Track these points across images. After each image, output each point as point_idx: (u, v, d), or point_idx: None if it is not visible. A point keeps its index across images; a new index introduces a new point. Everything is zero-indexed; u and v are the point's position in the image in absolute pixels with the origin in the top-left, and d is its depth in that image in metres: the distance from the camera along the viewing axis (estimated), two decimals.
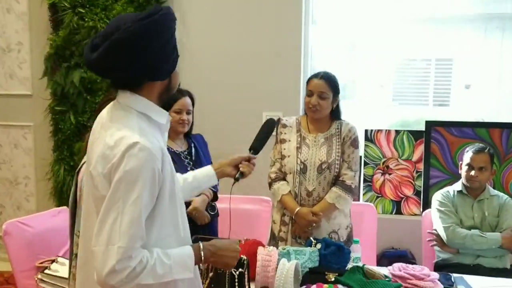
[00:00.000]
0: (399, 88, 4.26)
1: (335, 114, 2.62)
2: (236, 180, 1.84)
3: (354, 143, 2.58)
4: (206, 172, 1.83)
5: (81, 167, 2.11)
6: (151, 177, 1.29)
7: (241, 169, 1.84)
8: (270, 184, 2.64)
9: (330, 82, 2.53)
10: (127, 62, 1.31)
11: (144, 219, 1.30)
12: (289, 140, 2.60)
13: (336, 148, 2.56)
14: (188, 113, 2.60)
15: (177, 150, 2.63)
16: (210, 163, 2.75)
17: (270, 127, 2.02)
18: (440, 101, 4.18)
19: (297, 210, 2.50)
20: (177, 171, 2.46)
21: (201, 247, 1.46)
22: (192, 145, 2.71)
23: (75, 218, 2.10)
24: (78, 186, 2.08)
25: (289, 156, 2.58)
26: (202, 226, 2.61)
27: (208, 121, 3.48)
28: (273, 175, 2.63)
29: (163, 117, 1.45)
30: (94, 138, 1.43)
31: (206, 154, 2.76)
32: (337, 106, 2.62)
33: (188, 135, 2.75)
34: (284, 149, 2.60)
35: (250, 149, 1.92)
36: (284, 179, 2.60)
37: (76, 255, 2.08)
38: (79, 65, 3.81)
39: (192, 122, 2.72)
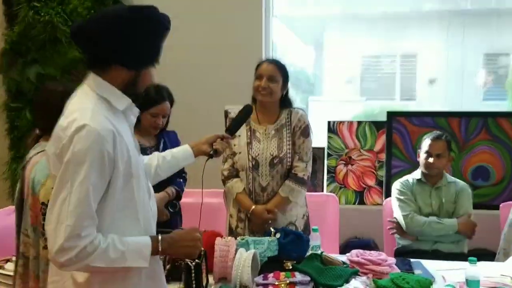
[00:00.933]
0: (366, 84, 4.32)
1: (284, 102, 2.58)
2: (210, 156, 1.89)
3: (304, 133, 2.55)
4: (183, 150, 1.87)
5: (27, 163, 2.04)
6: (99, 159, 1.33)
7: (214, 146, 1.88)
8: (223, 182, 2.60)
9: (280, 66, 2.51)
10: (104, 36, 1.39)
11: (93, 199, 1.33)
12: (239, 135, 2.54)
13: (287, 140, 2.53)
14: (164, 117, 2.58)
15: (143, 145, 2.59)
16: None
17: (246, 112, 2.12)
18: (407, 95, 4.26)
19: (252, 208, 2.48)
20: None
21: (159, 238, 1.47)
22: (162, 141, 2.67)
23: (21, 216, 2.03)
24: (25, 184, 2.01)
25: (240, 152, 2.54)
26: (161, 224, 2.57)
27: (177, 117, 3.44)
28: (226, 173, 2.59)
29: (123, 103, 1.48)
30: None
31: None
32: (287, 94, 2.59)
33: (160, 132, 2.71)
34: (235, 145, 2.55)
35: (226, 130, 2.02)
36: (237, 175, 2.57)
37: (23, 254, 2.02)
38: (36, 60, 3.70)
39: (168, 118, 2.69)
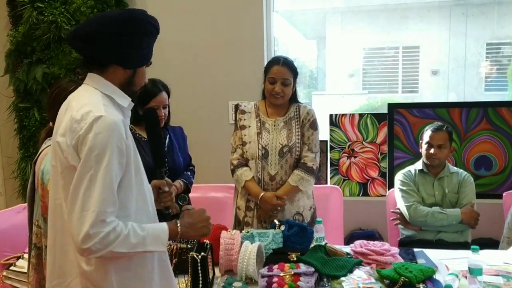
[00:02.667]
0: (368, 77, 4.31)
1: (293, 97, 2.63)
2: (168, 215, 1.78)
3: (313, 125, 2.60)
4: None
5: (37, 157, 2.08)
6: (118, 147, 1.37)
7: (163, 205, 1.81)
8: (232, 171, 2.63)
9: (291, 68, 2.55)
10: (100, 37, 1.43)
11: (115, 185, 1.37)
12: (249, 126, 2.60)
13: (296, 131, 2.57)
14: (164, 108, 2.59)
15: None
16: (186, 157, 2.74)
17: (152, 122, 1.86)
18: (409, 87, 4.24)
19: (261, 195, 2.51)
20: (148, 161, 2.48)
21: (178, 223, 1.52)
22: (167, 136, 2.69)
23: (33, 208, 2.08)
24: (36, 176, 2.05)
25: (250, 142, 2.58)
26: (171, 217, 2.59)
27: (181, 113, 3.47)
28: (235, 162, 2.62)
29: (126, 101, 1.53)
30: (60, 120, 1.49)
31: (181, 146, 2.73)
32: (295, 90, 2.63)
33: (164, 126, 2.73)
34: (245, 135, 2.60)
35: (155, 165, 1.80)
36: (246, 165, 2.60)
37: (35, 245, 2.07)
38: (41, 60, 3.73)
39: (169, 113, 2.71)
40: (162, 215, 1.73)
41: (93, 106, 1.41)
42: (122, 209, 1.40)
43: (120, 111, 1.51)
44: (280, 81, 2.51)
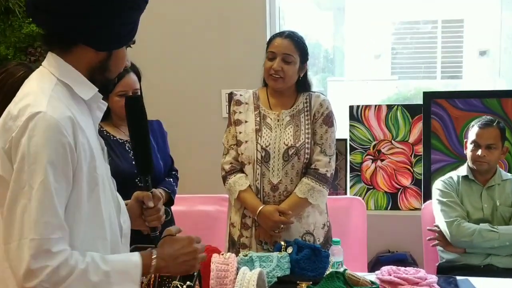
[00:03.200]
0: (399, 58, 4.31)
1: (302, 84, 2.61)
2: (155, 237, 1.74)
3: (328, 120, 2.58)
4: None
5: None
6: (60, 154, 1.32)
7: (148, 225, 1.76)
8: (224, 178, 2.62)
9: (297, 43, 2.53)
10: (67, 7, 1.38)
11: (59, 204, 1.31)
12: (246, 121, 2.58)
13: (305, 128, 2.56)
14: (134, 93, 2.58)
15: (120, 139, 2.62)
16: (167, 159, 2.75)
17: (136, 112, 1.72)
18: (450, 72, 4.24)
19: (260, 209, 2.50)
20: (119, 163, 2.47)
21: (153, 255, 1.48)
22: None
23: None
24: None
25: (246, 141, 2.57)
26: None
27: (160, 104, 3.47)
28: (227, 167, 2.61)
29: (88, 92, 1.48)
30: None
31: (161, 146, 2.75)
32: (305, 75, 2.62)
33: None
34: (240, 132, 2.59)
35: (139, 174, 1.75)
36: (241, 170, 2.60)
37: None
38: None
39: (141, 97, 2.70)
40: (148, 239, 1.71)
41: (34, 97, 1.36)
42: (76, 235, 1.36)
43: (84, 103, 1.48)
44: (280, 57, 2.49)
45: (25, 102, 1.35)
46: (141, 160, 1.72)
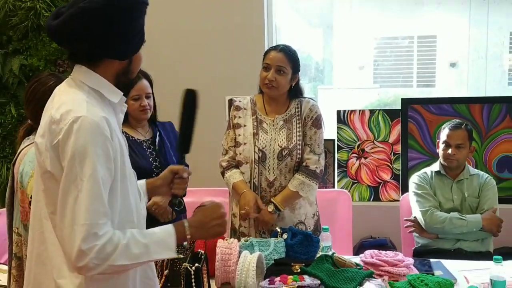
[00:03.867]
0: (380, 69, 4.30)
1: (294, 92, 2.59)
2: (175, 206, 1.82)
3: (316, 123, 2.56)
4: (138, 185, 1.75)
5: (16, 158, 2.08)
6: (103, 149, 1.35)
7: (173, 191, 1.81)
8: (222, 174, 2.62)
9: (290, 56, 2.50)
10: (89, 33, 1.39)
11: (105, 193, 1.35)
12: (245, 125, 2.56)
13: (297, 131, 2.54)
14: (147, 97, 2.58)
15: (138, 139, 2.61)
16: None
17: (192, 103, 1.87)
18: (425, 81, 4.24)
19: (243, 191, 2.48)
20: (138, 160, 2.47)
21: (186, 224, 1.50)
22: (157, 133, 2.68)
23: (13, 214, 2.07)
24: (14, 179, 2.05)
25: (245, 143, 2.55)
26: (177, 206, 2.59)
27: (172, 108, 3.45)
28: (224, 164, 2.60)
29: (116, 96, 1.50)
30: (42, 118, 1.47)
31: (173, 144, 2.72)
32: (297, 84, 2.60)
33: (153, 122, 2.72)
34: (239, 135, 2.57)
35: (177, 149, 1.88)
36: (236, 167, 2.58)
37: (15, 255, 2.07)
38: (18, 51, 3.73)
39: (155, 106, 2.70)
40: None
41: (74, 104, 1.38)
42: (112, 219, 1.39)
43: (110, 107, 1.49)
44: (274, 68, 2.46)
45: (66, 108, 1.37)
46: (185, 140, 1.83)
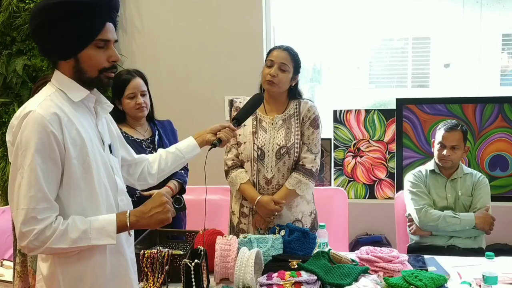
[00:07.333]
0: (375, 70, 4.30)
1: (293, 93, 2.60)
2: (213, 146, 1.94)
3: (314, 123, 2.56)
4: (187, 141, 1.95)
5: None
6: (45, 142, 1.42)
7: (218, 135, 1.94)
8: (226, 172, 2.61)
9: (293, 56, 2.52)
10: (34, 36, 1.52)
11: (44, 182, 1.42)
12: (245, 125, 2.56)
13: (295, 130, 2.54)
14: (143, 95, 2.57)
15: (138, 138, 2.61)
16: None
17: (256, 101, 2.18)
18: (419, 82, 4.24)
19: (257, 199, 2.48)
20: None
21: (128, 213, 1.56)
22: (156, 132, 2.68)
23: None
24: None
25: (245, 142, 2.55)
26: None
27: (167, 108, 3.46)
28: (229, 162, 2.60)
29: (78, 95, 1.55)
30: None
31: (172, 142, 2.72)
32: (296, 85, 2.60)
33: (152, 121, 2.72)
34: (240, 134, 2.57)
35: (232, 119, 2.05)
36: (242, 166, 2.58)
37: (19, 251, 2.07)
38: (22, 51, 3.72)
39: (152, 104, 2.70)
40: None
41: (32, 101, 1.48)
42: (71, 207, 1.48)
43: (84, 106, 1.56)
44: (277, 65, 2.48)
45: (25, 105, 1.48)
46: (240, 118, 2.06)
